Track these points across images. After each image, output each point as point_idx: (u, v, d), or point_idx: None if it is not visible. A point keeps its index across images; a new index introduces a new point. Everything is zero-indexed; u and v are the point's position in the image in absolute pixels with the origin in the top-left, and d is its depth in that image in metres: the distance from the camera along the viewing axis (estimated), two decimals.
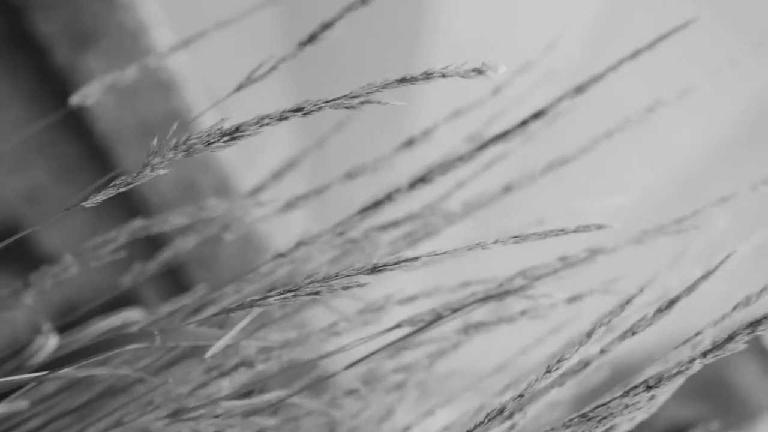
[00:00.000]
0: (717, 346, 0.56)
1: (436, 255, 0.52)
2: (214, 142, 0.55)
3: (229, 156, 1.30)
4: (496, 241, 0.52)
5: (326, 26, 0.63)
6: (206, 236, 0.89)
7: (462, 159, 0.71)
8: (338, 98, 0.53)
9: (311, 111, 0.53)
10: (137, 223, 0.84)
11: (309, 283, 0.54)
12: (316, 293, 0.54)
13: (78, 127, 1.22)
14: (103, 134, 1.22)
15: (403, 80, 0.52)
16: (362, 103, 0.52)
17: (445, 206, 0.78)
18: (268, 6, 0.87)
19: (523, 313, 0.71)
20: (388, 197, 0.72)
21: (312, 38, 0.63)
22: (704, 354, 0.56)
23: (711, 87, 0.75)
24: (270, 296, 0.55)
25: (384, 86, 0.52)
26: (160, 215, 0.85)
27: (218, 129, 0.55)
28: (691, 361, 0.56)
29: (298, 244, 0.72)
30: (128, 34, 1.17)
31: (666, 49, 0.70)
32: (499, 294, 0.62)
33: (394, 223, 0.76)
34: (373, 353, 0.63)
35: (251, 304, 0.56)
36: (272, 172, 0.88)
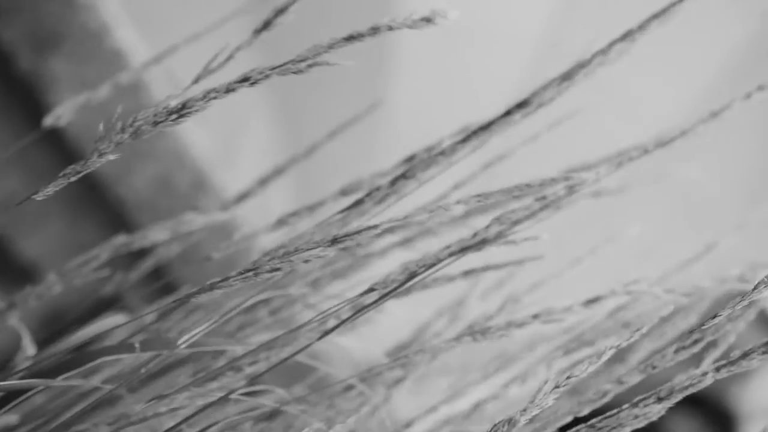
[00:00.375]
0: (731, 362, 0.56)
1: (398, 221, 0.50)
2: (162, 121, 0.53)
3: (205, 153, 1.28)
4: (458, 202, 0.50)
5: (280, 11, 0.61)
6: (190, 245, 0.88)
7: (444, 153, 0.67)
8: (285, 63, 0.51)
9: (258, 80, 0.51)
10: (119, 239, 0.83)
11: (269, 260, 0.53)
12: (277, 269, 0.52)
13: (50, 134, 1.21)
14: (76, 137, 1.21)
15: (350, 38, 0.50)
16: (310, 66, 0.50)
17: (445, 208, 0.75)
18: (240, 15, 0.85)
19: (536, 317, 0.67)
20: (369, 195, 0.68)
21: (267, 25, 0.61)
22: (718, 369, 0.56)
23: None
24: (230, 277, 0.53)
25: (331, 46, 0.50)
26: (141, 229, 0.84)
27: (165, 107, 0.53)
28: (704, 374, 0.56)
29: (280, 248, 0.70)
30: (91, 35, 1.16)
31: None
32: (476, 244, 0.58)
33: (390, 228, 0.73)
34: (346, 320, 0.61)
35: (212, 287, 0.54)
36: (258, 180, 0.86)
